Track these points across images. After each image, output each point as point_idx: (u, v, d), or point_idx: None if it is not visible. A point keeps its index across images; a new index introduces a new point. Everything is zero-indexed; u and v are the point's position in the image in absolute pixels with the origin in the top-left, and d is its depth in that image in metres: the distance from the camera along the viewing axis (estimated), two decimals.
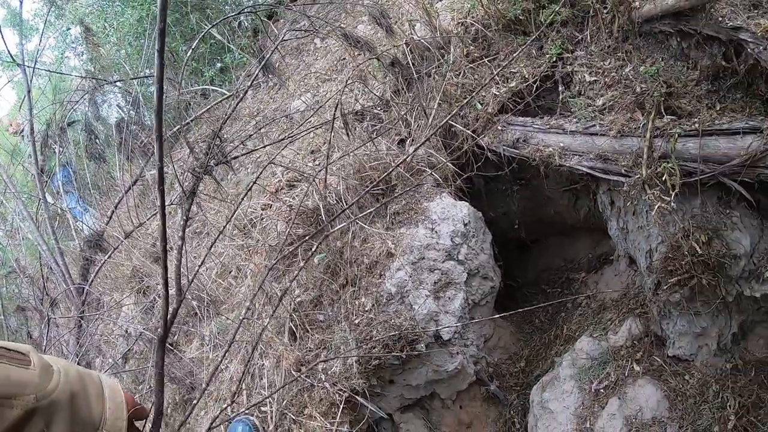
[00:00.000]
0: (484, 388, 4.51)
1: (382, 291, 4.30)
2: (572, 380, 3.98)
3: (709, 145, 3.36)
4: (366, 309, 4.34)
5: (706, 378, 3.69)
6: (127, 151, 5.20)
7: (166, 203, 5.15)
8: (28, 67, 4.90)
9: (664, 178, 3.33)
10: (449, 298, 4.26)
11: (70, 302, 5.54)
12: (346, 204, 4.66)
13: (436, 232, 4.31)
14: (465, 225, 4.32)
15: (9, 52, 4.97)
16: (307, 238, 4.77)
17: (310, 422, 4.23)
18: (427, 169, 4.56)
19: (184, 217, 3.28)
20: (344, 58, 6.04)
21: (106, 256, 5.34)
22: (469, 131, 4.40)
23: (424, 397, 4.47)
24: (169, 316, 2.58)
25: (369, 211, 4.39)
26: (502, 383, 4.53)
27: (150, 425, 2.27)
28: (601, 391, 3.86)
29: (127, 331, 5.68)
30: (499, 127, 4.30)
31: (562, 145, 3.96)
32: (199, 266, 4.12)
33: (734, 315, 3.76)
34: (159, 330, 2.61)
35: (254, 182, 4.62)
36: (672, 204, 3.30)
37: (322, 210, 4.72)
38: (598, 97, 4.00)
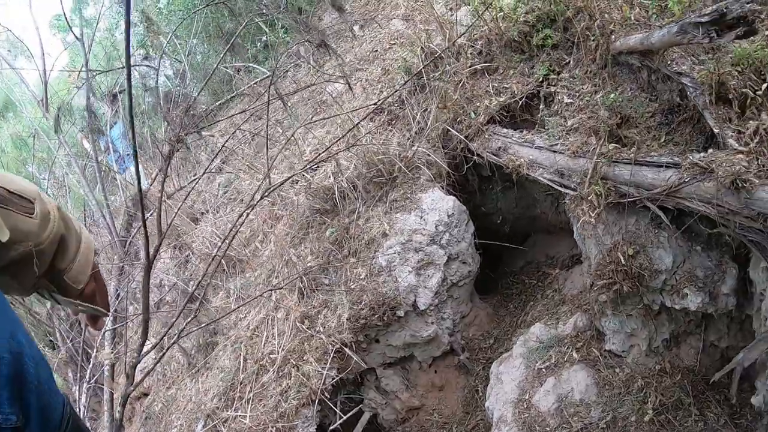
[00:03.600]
0: (457, 358, 5.64)
1: (375, 264, 5.41)
2: (521, 358, 5.00)
3: (639, 173, 4.12)
4: (361, 277, 5.50)
5: (634, 374, 4.52)
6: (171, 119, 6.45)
7: (204, 171, 6.39)
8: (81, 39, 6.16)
9: (590, 198, 4.29)
10: (429, 275, 5.34)
11: (112, 252, 6.94)
12: (355, 187, 5.85)
13: (424, 219, 5.38)
14: (449, 216, 5.37)
15: (68, 21, 6.31)
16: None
17: (306, 366, 5.50)
18: (423, 167, 5.66)
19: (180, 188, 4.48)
20: (377, 50, 7.12)
21: (149, 214, 6.67)
22: (462, 136, 5.43)
23: (404, 358, 5.61)
24: (152, 252, 3.75)
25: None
26: (472, 356, 5.61)
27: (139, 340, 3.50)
28: (543, 370, 4.84)
29: (161, 282, 7.07)
30: (487, 136, 5.28)
31: (531, 157, 4.86)
32: (230, 234, 5.34)
33: (665, 323, 4.55)
34: (143, 260, 3.79)
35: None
36: (592, 220, 4.24)
37: (336, 190, 5.92)
38: (571, 117, 4.85)
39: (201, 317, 6.25)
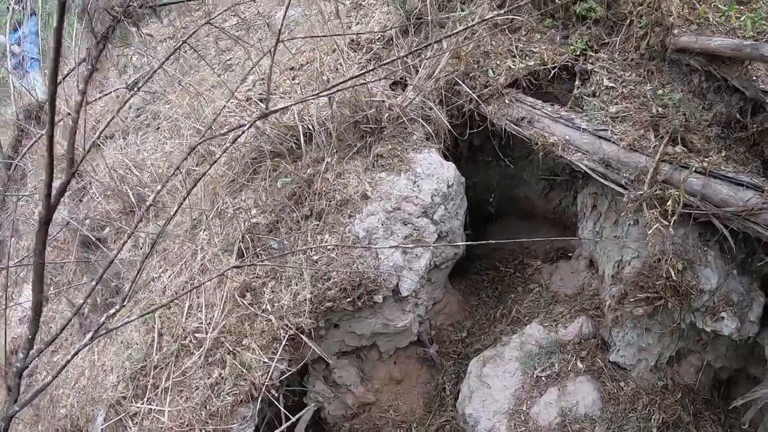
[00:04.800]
0: (422, 350, 4.66)
1: (348, 232, 4.26)
2: (517, 362, 4.24)
3: (711, 186, 3.64)
4: (329, 247, 4.24)
5: (639, 390, 4.12)
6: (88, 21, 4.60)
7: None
8: None
9: (668, 203, 3.50)
10: (417, 255, 4.31)
11: None
12: (328, 131, 4.45)
13: (417, 185, 4.31)
14: (448, 187, 4.37)
15: None
16: None
17: (247, 353, 4.14)
18: (420, 121, 4.45)
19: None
20: None
21: (41, 133, 4.77)
22: (474, 95, 4.33)
23: (363, 347, 4.52)
24: (53, 193, 2.14)
25: None
26: (440, 348, 4.72)
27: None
28: (543, 379, 4.17)
29: None
30: (507, 101, 4.29)
31: (567, 138, 4.10)
32: None
33: (676, 340, 4.17)
34: (40, 209, 2.14)
35: None
36: (670, 229, 3.48)
37: (300, 130, 4.46)
38: (612, 104, 4.17)
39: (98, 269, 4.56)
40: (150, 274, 4.81)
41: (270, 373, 4.13)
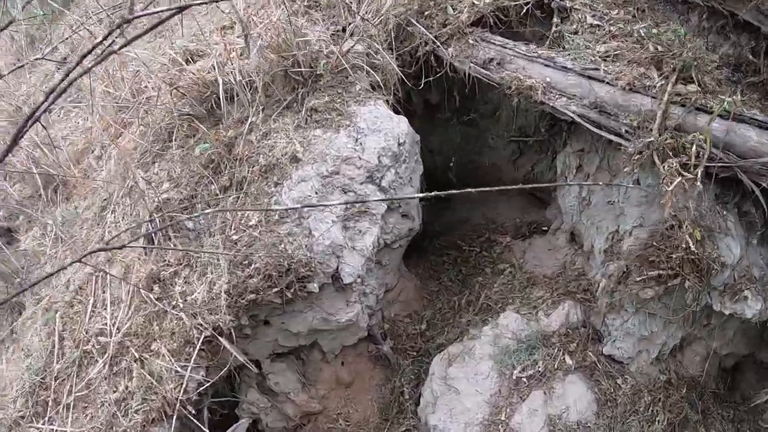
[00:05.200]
0: (374, 346, 3.75)
1: (274, 204, 3.31)
2: (491, 361, 3.39)
3: (737, 131, 2.81)
4: (250, 224, 3.33)
5: (640, 387, 3.32)
6: None
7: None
8: None
9: (691, 151, 2.61)
10: (361, 231, 3.39)
11: None
12: (251, 85, 3.48)
13: (360, 144, 3.40)
14: (399, 145, 3.46)
15: None
16: None
17: (156, 360, 3.18)
18: (365, 68, 3.49)
19: None
20: None
21: None
22: (431, 36, 3.39)
23: (302, 347, 3.58)
24: None
25: None
26: (396, 344, 3.83)
27: None
28: (524, 380, 3.32)
29: None
30: (471, 41, 3.39)
31: (548, 79, 3.27)
32: None
33: (682, 325, 3.34)
34: None
35: None
36: (698, 183, 2.59)
37: (220, 85, 3.48)
38: (600, 43, 3.33)
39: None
40: (52, 266, 3.85)
41: (184, 385, 3.18)
